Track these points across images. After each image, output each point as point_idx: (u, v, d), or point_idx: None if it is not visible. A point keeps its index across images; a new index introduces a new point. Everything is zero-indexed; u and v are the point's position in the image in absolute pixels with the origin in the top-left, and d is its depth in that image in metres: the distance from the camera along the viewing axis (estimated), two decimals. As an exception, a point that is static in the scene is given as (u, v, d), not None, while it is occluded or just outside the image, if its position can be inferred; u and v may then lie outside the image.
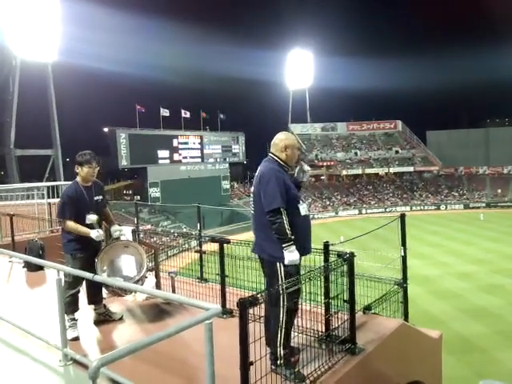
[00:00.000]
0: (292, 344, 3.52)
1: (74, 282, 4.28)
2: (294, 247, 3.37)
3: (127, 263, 4.63)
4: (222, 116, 56.50)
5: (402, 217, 5.13)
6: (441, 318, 18.05)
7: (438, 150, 63.59)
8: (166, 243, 8.10)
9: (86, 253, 4.43)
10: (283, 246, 3.36)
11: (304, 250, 3.61)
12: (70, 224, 4.39)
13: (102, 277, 4.22)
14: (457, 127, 69.80)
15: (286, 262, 3.37)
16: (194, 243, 6.72)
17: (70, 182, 4.75)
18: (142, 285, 4.67)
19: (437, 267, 26.83)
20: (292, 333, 3.52)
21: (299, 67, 66.87)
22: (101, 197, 4.70)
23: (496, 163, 61.61)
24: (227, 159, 57.26)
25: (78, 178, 4.57)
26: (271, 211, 3.39)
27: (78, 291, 4.42)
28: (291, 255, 3.36)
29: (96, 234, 4.39)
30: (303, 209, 3.60)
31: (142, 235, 7.02)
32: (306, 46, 67.04)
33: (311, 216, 3.87)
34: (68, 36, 43.44)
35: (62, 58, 43.62)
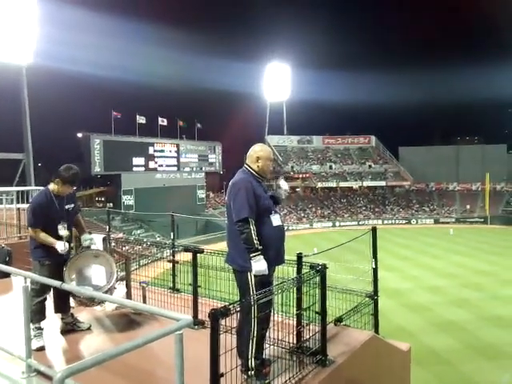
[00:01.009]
0: (263, 355, 3.51)
1: (40, 290, 4.17)
2: (261, 257, 3.39)
3: (96, 273, 4.53)
4: (199, 125, 56.36)
5: (374, 230, 5.22)
6: (410, 330, 18.31)
7: (410, 166, 65.13)
8: (138, 252, 7.96)
9: (54, 260, 4.32)
10: (250, 255, 3.38)
11: (276, 260, 3.63)
12: (39, 234, 4.28)
13: (70, 285, 4.12)
14: (428, 144, 71.78)
15: (254, 272, 3.40)
16: (167, 253, 6.64)
17: (41, 188, 4.59)
18: (111, 295, 4.57)
19: (407, 280, 27.26)
20: (264, 344, 3.52)
21: (277, 80, 67.56)
22: (72, 205, 4.58)
23: (465, 180, 63.47)
24: (203, 168, 57.02)
25: (51, 187, 4.42)
26: (239, 221, 3.43)
27: (45, 299, 4.31)
28: (258, 265, 3.38)
29: (62, 247, 4.24)
30: (275, 219, 3.63)
31: (113, 243, 6.89)
32: (284, 60, 67.91)
33: (286, 227, 3.90)
34: (45, 38, 42.61)
35: (37, 60, 42.70)
